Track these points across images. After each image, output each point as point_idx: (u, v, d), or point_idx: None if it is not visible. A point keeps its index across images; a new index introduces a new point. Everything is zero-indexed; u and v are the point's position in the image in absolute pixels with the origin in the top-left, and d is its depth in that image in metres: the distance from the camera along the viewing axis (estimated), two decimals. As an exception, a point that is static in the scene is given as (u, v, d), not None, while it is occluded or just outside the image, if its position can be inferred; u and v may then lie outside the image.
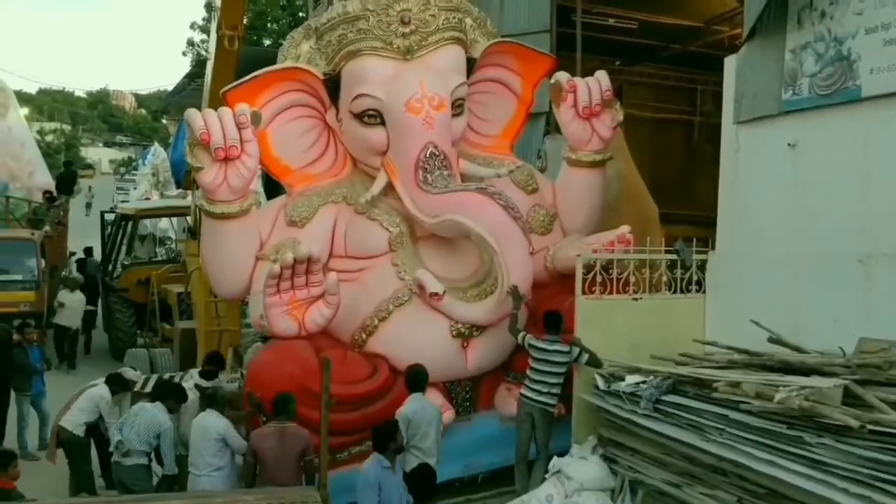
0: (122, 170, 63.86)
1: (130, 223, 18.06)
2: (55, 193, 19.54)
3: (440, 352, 7.93)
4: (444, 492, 7.70)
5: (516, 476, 7.84)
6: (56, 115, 74.91)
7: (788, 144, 7.35)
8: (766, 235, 7.65)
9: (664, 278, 8.25)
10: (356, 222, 8.36)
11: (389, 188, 8.25)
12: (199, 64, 28.03)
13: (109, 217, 19.42)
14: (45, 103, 76.69)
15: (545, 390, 7.66)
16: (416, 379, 7.34)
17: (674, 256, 8.22)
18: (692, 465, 6.37)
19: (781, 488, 5.42)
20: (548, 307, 8.11)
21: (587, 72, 9.43)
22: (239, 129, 7.53)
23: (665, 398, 6.67)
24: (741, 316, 7.12)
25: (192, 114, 7.66)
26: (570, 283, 8.24)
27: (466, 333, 8.03)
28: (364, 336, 8.10)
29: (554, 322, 7.75)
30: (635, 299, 8.01)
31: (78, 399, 8.80)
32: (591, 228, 9.07)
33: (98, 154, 72.31)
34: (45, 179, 20.45)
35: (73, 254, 21.24)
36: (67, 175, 21.71)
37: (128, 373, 9.37)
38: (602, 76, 9.05)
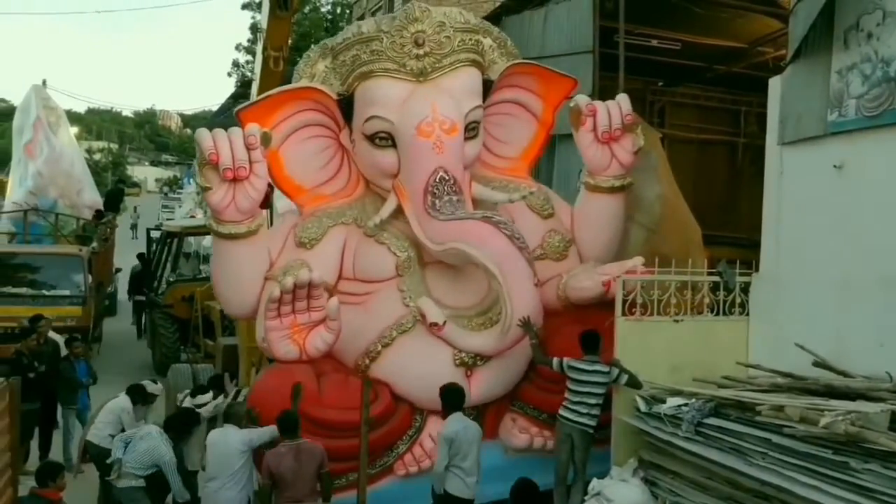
0: (167, 188, 64.94)
1: (175, 240, 18.31)
2: (103, 210, 19.94)
3: (442, 380, 7.76)
4: None
5: (555, 498, 7.78)
6: (104, 134, 76.51)
7: (834, 166, 7.25)
8: (811, 258, 7.54)
9: (706, 300, 8.19)
10: (365, 245, 8.27)
11: (400, 212, 8.14)
12: (244, 84, 28.47)
13: (154, 234, 19.70)
14: (94, 122, 78.45)
15: (585, 411, 7.61)
16: (453, 398, 7.30)
17: (716, 278, 8.15)
18: (734, 490, 6.29)
19: (826, 514, 5.33)
20: (560, 336, 8.02)
21: (630, 92, 9.38)
22: (248, 149, 7.49)
23: (707, 421, 6.59)
24: (785, 339, 7.05)
25: (201, 133, 7.64)
26: (583, 313, 8.27)
27: (470, 363, 7.91)
28: (367, 361, 8.00)
29: (592, 342, 7.71)
30: (676, 321, 7.95)
31: (100, 412, 8.90)
32: (608, 255, 8.90)
33: (144, 173, 73.66)
34: (93, 197, 20.88)
35: (118, 270, 21.61)
36: (115, 192, 22.14)
37: (149, 386, 9.38)
38: (623, 100, 8.88)
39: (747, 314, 8.13)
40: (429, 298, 7.91)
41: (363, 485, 6.19)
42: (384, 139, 8.06)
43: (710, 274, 8.22)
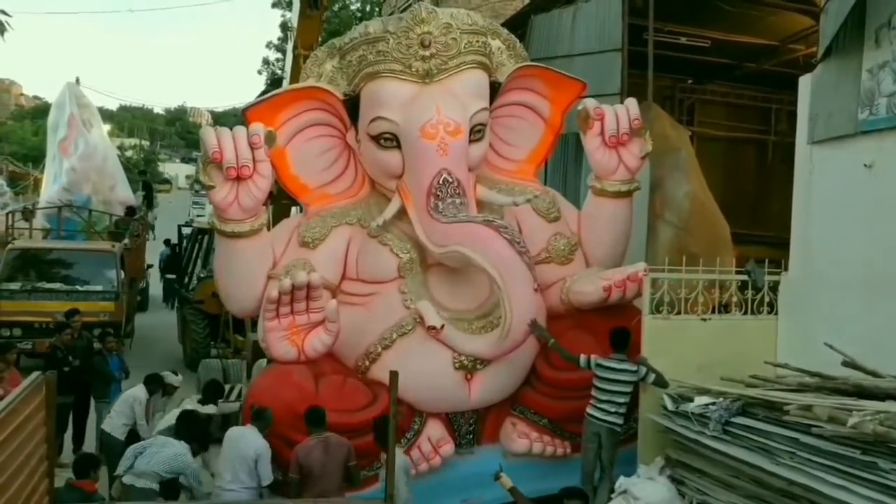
0: (198, 185, 65.49)
1: (206, 237, 18.48)
2: (136, 207, 20.17)
3: (442, 383, 7.81)
4: None
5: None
6: (136, 132, 77.28)
7: (865, 165, 7.21)
8: (840, 257, 7.50)
9: (734, 299, 8.16)
10: (368, 246, 8.24)
11: (403, 213, 8.08)
12: (274, 83, 28.69)
13: (184, 231, 19.91)
14: (126, 120, 79.26)
15: (612, 409, 7.64)
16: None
17: (745, 277, 8.13)
18: (761, 489, 6.26)
19: (853, 514, 5.32)
20: (562, 340, 8.01)
21: (659, 90, 9.36)
22: (252, 148, 7.47)
23: (734, 420, 6.58)
24: (814, 338, 7.00)
25: (206, 132, 7.62)
26: (587, 317, 8.31)
27: (469, 366, 7.86)
28: (367, 363, 7.99)
29: (621, 340, 7.73)
30: (704, 320, 7.94)
31: (116, 403, 9.02)
32: (614, 260, 8.88)
33: (175, 170, 74.25)
34: (125, 193, 21.06)
35: (149, 266, 21.86)
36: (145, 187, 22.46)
37: (168, 377, 9.44)
38: (631, 104, 8.83)
39: (776, 313, 8.10)
40: (428, 302, 7.86)
41: (391, 475, 6.20)
42: (389, 140, 8.01)
43: (738, 273, 8.19)
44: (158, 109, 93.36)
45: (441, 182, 7.70)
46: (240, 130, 7.55)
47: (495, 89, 8.56)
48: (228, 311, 9.54)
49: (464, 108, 7.95)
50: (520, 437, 8.30)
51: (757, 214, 14.33)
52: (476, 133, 8.15)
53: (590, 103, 8.77)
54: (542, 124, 9.22)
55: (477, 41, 8.19)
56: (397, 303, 7.96)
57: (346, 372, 8.01)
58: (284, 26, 36.01)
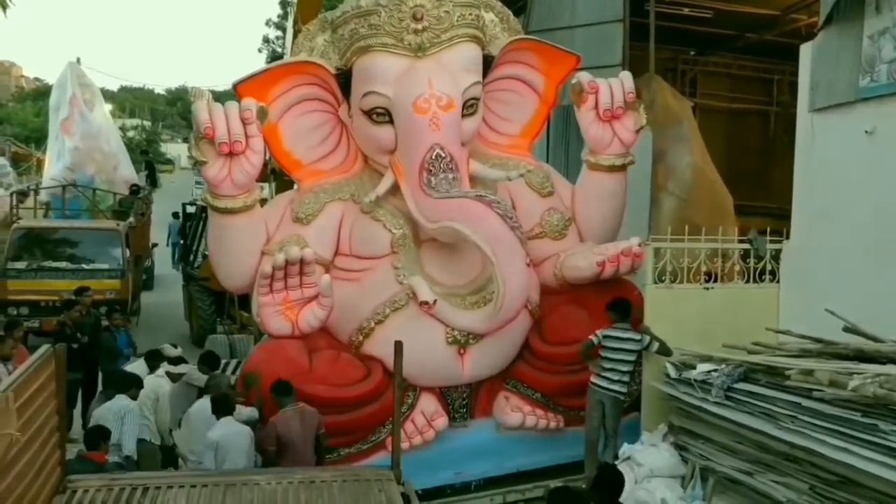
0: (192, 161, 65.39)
1: (210, 215, 18.52)
2: (140, 185, 20.21)
3: (435, 358, 7.80)
4: (434, 497, 7.78)
5: (586, 464, 7.91)
6: (137, 112, 77.04)
7: (865, 132, 7.24)
8: (841, 224, 7.55)
9: (737, 268, 8.21)
10: (361, 221, 8.19)
11: (396, 188, 7.99)
12: (275, 60, 28.59)
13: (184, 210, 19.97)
14: (127, 100, 78.95)
15: (616, 378, 7.71)
16: (225, 403, 7.13)
17: (747, 246, 8.17)
18: (764, 453, 6.35)
19: (855, 476, 5.40)
20: (555, 315, 8.05)
21: (661, 62, 9.33)
22: (244, 124, 7.38)
23: (737, 386, 6.66)
24: (816, 305, 7.05)
25: (198, 107, 7.48)
26: (580, 292, 8.31)
27: (462, 341, 7.86)
28: (361, 338, 7.97)
29: (623, 309, 7.78)
30: (706, 289, 7.99)
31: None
32: (608, 235, 8.83)
33: (177, 150, 74.03)
34: (128, 173, 21.10)
35: (154, 245, 21.92)
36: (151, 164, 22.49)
37: (167, 350, 9.41)
38: (626, 77, 8.73)
39: (778, 281, 8.16)
40: (421, 277, 7.84)
41: (398, 444, 6.26)
42: (381, 115, 7.89)
43: (740, 241, 8.23)
44: (159, 90, 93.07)
45: (434, 157, 7.61)
46: (232, 106, 7.48)
47: (488, 63, 8.45)
48: (224, 287, 9.54)
49: (456, 82, 7.85)
50: (513, 410, 8.32)
51: (759, 185, 14.33)
52: (469, 107, 8.05)
53: (584, 77, 8.69)
54: (535, 98, 9.13)
55: (470, 14, 8.06)
56: (390, 278, 7.93)
57: (339, 347, 8.01)
58: (284, 3, 35.94)
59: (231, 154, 7.44)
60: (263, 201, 8.78)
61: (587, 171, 8.90)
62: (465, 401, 8.35)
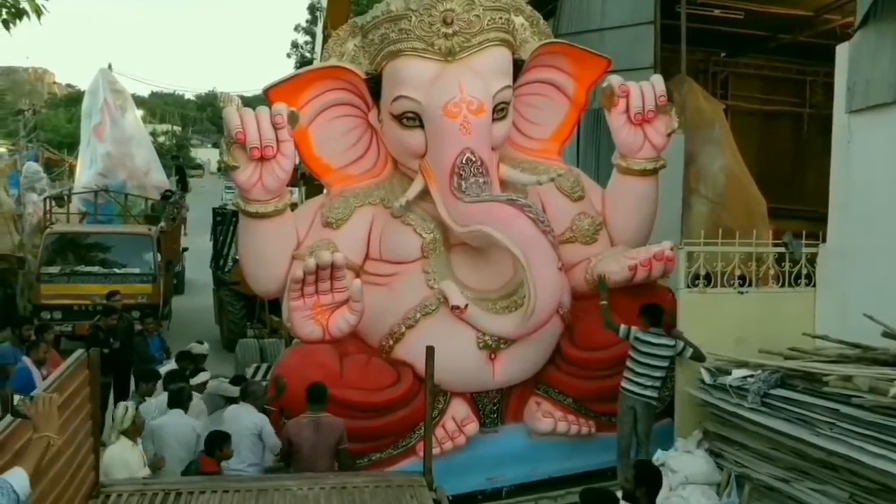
0: (223, 166, 65.91)
1: (240, 219, 18.61)
2: (172, 190, 20.36)
3: (466, 363, 7.75)
4: (465, 503, 7.73)
5: (619, 470, 7.83)
6: (167, 118, 77.84)
7: (904, 133, 7.13)
8: (879, 227, 7.43)
9: (772, 272, 8.11)
10: (391, 226, 8.17)
11: (426, 193, 7.96)
12: (303, 65, 28.72)
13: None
14: (158, 106, 79.77)
15: (648, 384, 7.64)
16: (179, 396, 7.28)
17: (782, 249, 8.07)
18: (801, 460, 6.27)
19: (895, 483, 5.29)
20: (587, 320, 8.00)
21: (692, 63, 9.25)
22: (275, 128, 7.40)
23: (773, 392, 6.58)
24: (853, 310, 6.96)
25: (229, 113, 7.51)
26: (612, 296, 8.10)
27: (493, 345, 7.80)
28: (391, 342, 7.93)
29: (656, 315, 7.71)
30: (741, 293, 7.90)
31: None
32: (639, 239, 8.73)
33: (207, 155, 74.65)
34: (160, 178, 21.27)
35: (185, 249, 22.09)
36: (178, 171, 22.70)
37: (195, 348, 9.45)
38: (657, 80, 8.65)
39: (814, 285, 8.04)
40: (451, 281, 7.80)
41: (429, 450, 6.22)
42: (411, 119, 7.87)
43: (775, 245, 8.13)
44: (189, 95, 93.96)
45: (464, 161, 7.58)
46: (263, 111, 7.51)
47: (518, 67, 8.43)
48: (255, 292, 9.57)
49: (487, 86, 7.81)
50: (544, 416, 8.27)
51: (792, 188, 14.19)
52: (499, 111, 8.02)
53: (614, 80, 8.63)
54: (566, 102, 9.08)
55: (500, 18, 8.03)
56: (421, 283, 7.91)
57: (370, 352, 7.99)
58: (313, 8, 36.02)
59: (262, 159, 7.45)
60: (294, 206, 8.77)
61: (618, 175, 8.84)
62: (495, 406, 8.30)
